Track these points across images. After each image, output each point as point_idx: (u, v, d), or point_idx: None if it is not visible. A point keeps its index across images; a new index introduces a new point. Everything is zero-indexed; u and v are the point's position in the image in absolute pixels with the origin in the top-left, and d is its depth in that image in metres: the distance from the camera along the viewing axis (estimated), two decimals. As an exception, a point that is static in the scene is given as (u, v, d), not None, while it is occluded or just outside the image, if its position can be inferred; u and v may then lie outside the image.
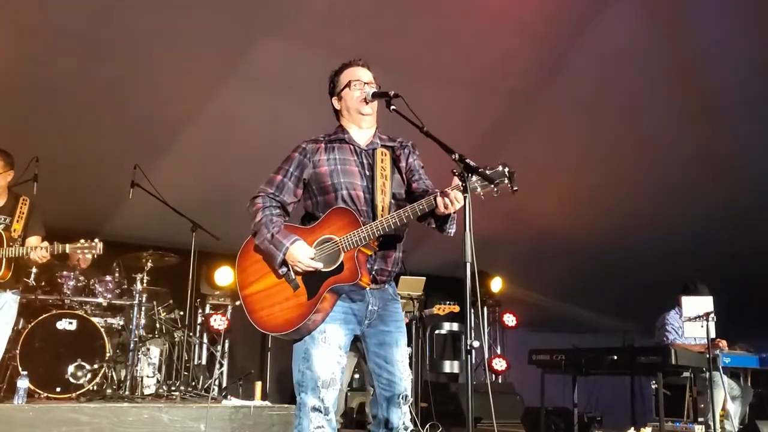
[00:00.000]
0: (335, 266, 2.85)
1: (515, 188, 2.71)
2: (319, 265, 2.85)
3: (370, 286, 2.93)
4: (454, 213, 2.87)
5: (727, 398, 6.31)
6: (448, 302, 6.98)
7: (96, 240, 4.60)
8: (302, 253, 2.85)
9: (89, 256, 4.72)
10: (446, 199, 2.75)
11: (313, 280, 2.86)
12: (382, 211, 2.95)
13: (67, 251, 4.58)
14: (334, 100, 3.17)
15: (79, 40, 6.30)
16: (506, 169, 2.70)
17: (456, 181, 2.73)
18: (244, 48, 6.74)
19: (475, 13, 6.84)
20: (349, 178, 2.99)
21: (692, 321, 5.97)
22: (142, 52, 6.51)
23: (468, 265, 2.57)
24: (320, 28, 6.61)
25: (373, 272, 2.95)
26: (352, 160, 3.04)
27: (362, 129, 3.11)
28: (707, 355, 5.77)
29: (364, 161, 3.05)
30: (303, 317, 2.82)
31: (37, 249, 4.47)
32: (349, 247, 2.84)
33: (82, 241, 4.58)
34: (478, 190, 2.72)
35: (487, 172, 2.70)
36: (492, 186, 2.69)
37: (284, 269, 2.89)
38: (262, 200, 3.01)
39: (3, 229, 4.64)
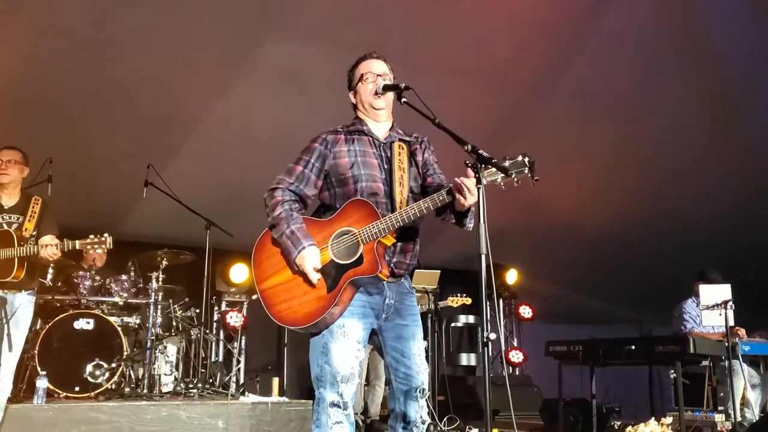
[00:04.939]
0: (354, 259, 2.84)
1: (536, 178, 2.68)
2: (315, 278, 2.83)
3: (389, 279, 2.92)
4: (471, 207, 2.86)
5: (747, 386, 6.28)
6: (460, 294, 6.98)
7: (105, 234, 4.59)
8: (309, 262, 2.83)
9: (100, 251, 4.70)
10: (464, 189, 2.72)
11: (333, 273, 2.85)
12: (401, 203, 2.94)
13: (77, 247, 4.58)
14: (351, 95, 3.17)
15: (90, 41, 6.33)
16: (526, 159, 2.68)
17: (470, 172, 2.72)
18: (253, 46, 6.74)
19: (484, 6, 6.80)
20: (369, 171, 2.99)
21: (710, 309, 5.92)
22: (152, 52, 6.52)
23: (482, 257, 2.55)
24: (328, 24, 6.60)
25: (392, 265, 2.94)
26: (371, 152, 3.03)
27: (378, 123, 3.11)
28: (726, 344, 5.72)
29: (383, 154, 3.05)
30: (323, 310, 2.81)
31: (48, 247, 4.48)
32: (369, 239, 2.83)
33: (92, 236, 4.58)
34: (498, 180, 2.71)
35: (507, 162, 2.69)
36: (512, 176, 2.68)
37: (296, 267, 2.88)
38: (281, 193, 2.99)
39: (15, 229, 4.65)
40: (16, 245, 4.53)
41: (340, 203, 2.95)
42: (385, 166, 3.02)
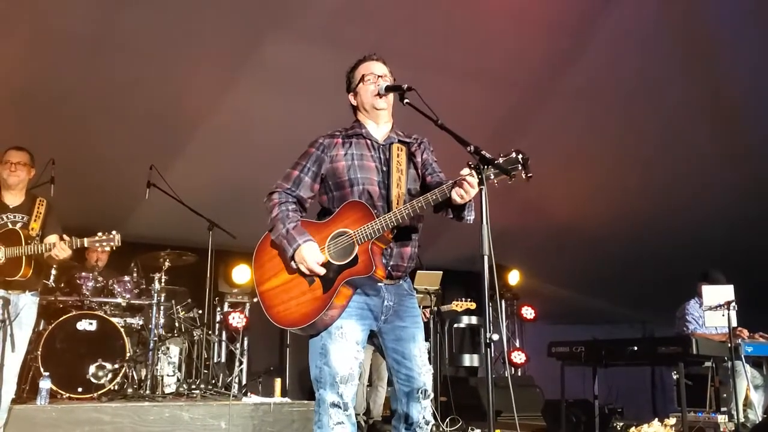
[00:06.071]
0: (349, 259, 2.85)
1: (530, 174, 2.68)
2: (321, 271, 2.84)
3: (386, 281, 2.92)
4: (470, 200, 2.85)
5: (749, 387, 6.26)
6: (464, 299, 6.99)
7: (114, 232, 4.60)
8: (310, 256, 2.84)
9: (108, 249, 4.69)
10: (461, 189, 2.73)
11: (328, 274, 2.86)
12: (397, 204, 2.94)
13: (86, 245, 4.59)
14: (351, 96, 3.17)
15: (92, 43, 6.34)
16: (520, 156, 2.68)
17: (469, 171, 2.71)
18: (254, 46, 6.74)
19: (486, 6, 6.81)
20: (366, 174, 2.99)
21: (713, 310, 5.92)
22: (154, 54, 6.53)
23: (485, 258, 2.55)
24: (331, 24, 6.60)
25: (389, 268, 2.94)
26: (369, 155, 3.04)
27: (379, 124, 3.11)
28: (729, 345, 5.72)
29: (381, 156, 3.05)
30: (319, 311, 2.82)
31: (57, 245, 4.48)
32: (363, 239, 2.84)
33: (100, 234, 4.60)
34: (492, 177, 2.70)
35: (501, 159, 2.68)
36: (507, 174, 2.68)
37: (295, 264, 2.89)
38: (278, 196, 3.02)
39: (21, 228, 4.65)
40: (23, 243, 4.53)
41: (338, 206, 2.96)
42: (383, 169, 3.02)
